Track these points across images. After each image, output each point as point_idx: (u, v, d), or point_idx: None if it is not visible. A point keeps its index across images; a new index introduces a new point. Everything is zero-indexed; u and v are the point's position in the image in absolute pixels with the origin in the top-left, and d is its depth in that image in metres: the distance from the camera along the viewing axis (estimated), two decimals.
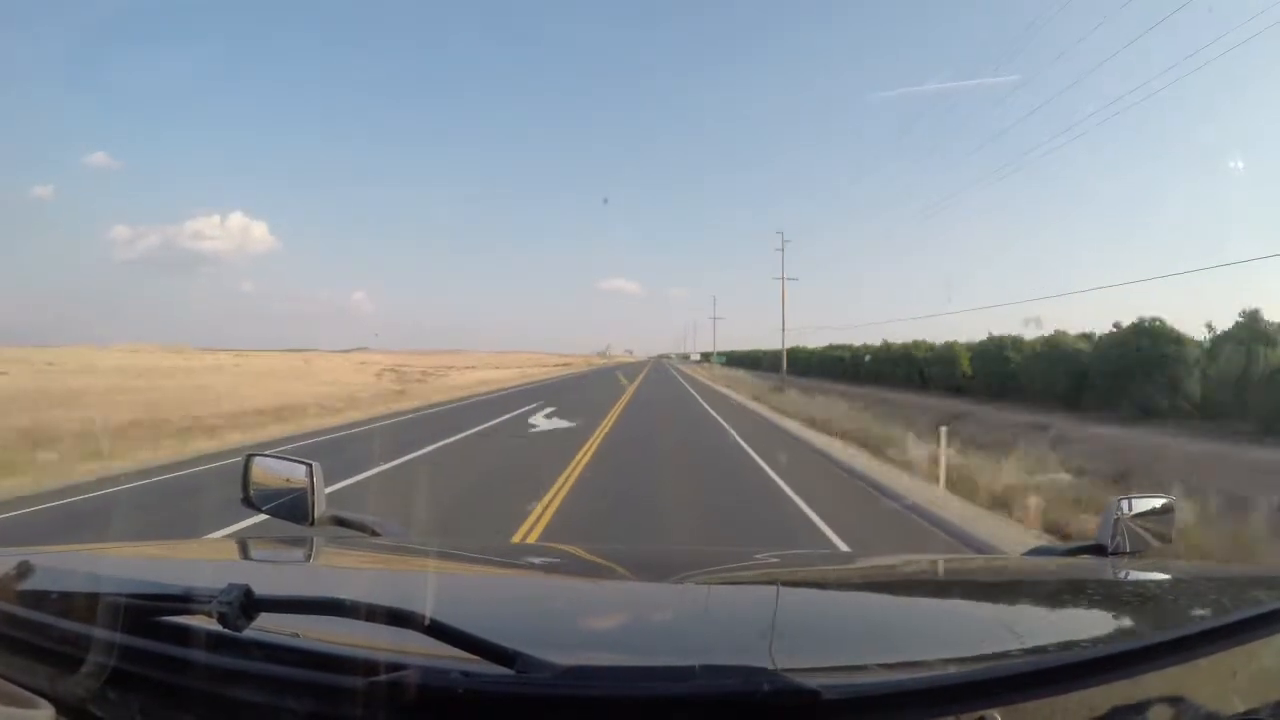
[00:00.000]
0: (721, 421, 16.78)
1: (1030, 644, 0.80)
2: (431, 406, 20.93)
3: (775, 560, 1.70)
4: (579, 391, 30.57)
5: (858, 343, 45.28)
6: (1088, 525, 5.79)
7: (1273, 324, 17.06)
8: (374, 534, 1.47)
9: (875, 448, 11.73)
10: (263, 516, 1.43)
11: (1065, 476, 9.41)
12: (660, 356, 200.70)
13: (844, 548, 5.65)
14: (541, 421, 16.26)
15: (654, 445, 12.30)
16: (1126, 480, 9.62)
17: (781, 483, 8.54)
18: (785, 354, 36.56)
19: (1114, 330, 21.16)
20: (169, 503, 7.27)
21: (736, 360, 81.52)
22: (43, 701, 0.64)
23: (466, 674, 0.61)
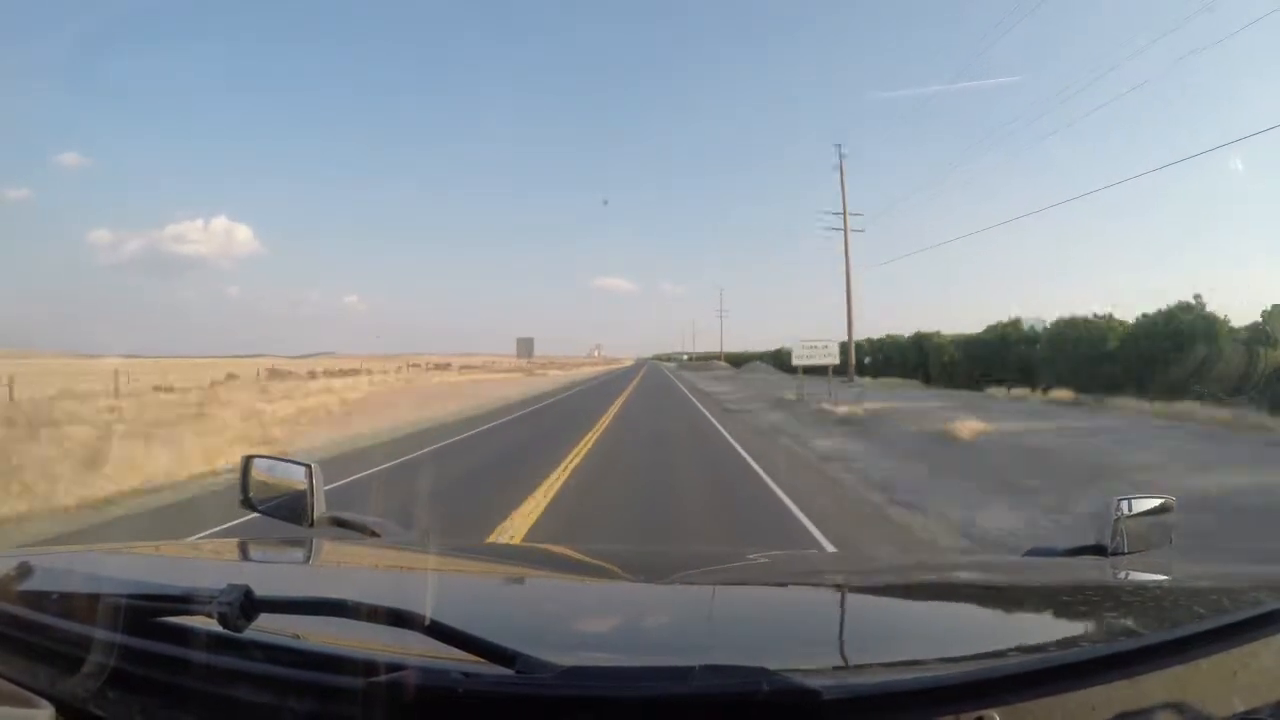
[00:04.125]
0: None
1: (1029, 644, 0.80)
2: None
3: (774, 561, 1.70)
4: None
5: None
6: None
7: None
8: (373, 534, 1.47)
9: None
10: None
11: None
12: (657, 359, 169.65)
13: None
14: None
15: None
16: None
17: None
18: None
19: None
20: None
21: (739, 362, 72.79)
22: (43, 701, 0.64)
23: (466, 674, 0.61)
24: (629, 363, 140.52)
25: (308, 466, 1.41)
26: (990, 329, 25.15)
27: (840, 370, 25.05)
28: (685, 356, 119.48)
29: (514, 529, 5.73)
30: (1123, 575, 1.25)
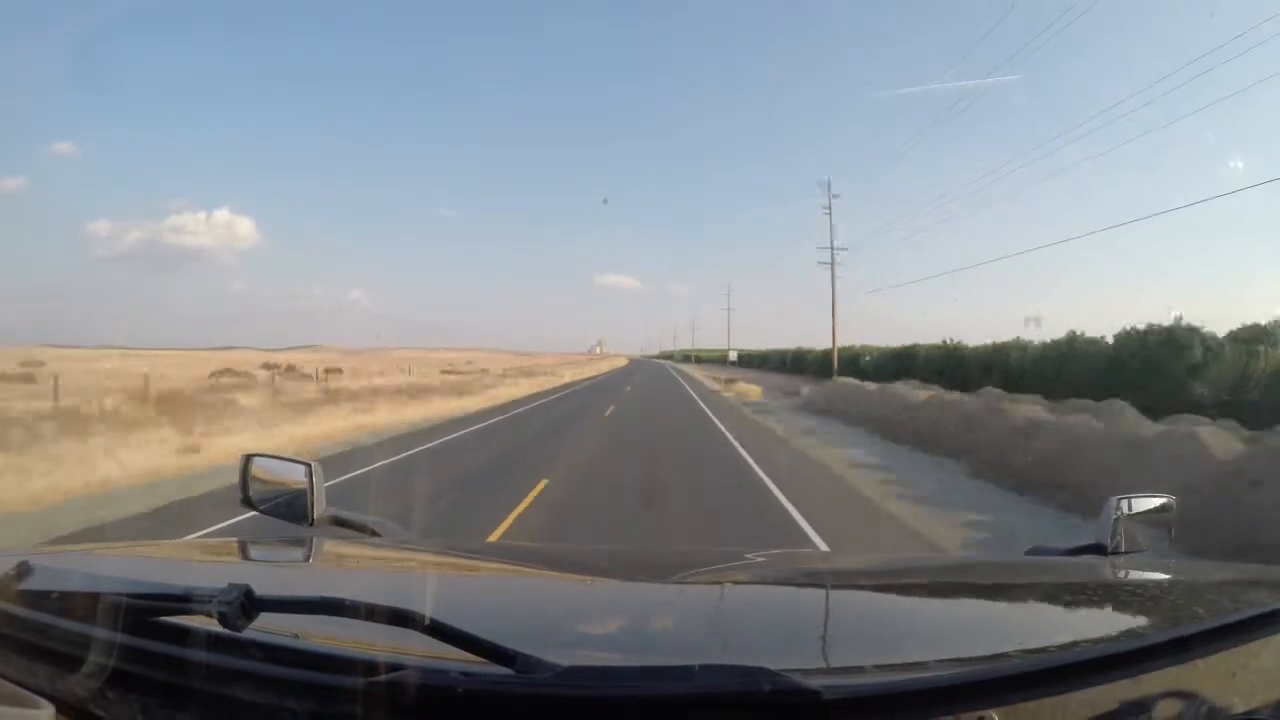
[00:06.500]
0: None
1: (1029, 644, 0.80)
2: None
3: (773, 561, 1.70)
4: None
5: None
6: None
7: None
8: (373, 534, 1.47)
9: None
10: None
11: None
12: (663, 356, 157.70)
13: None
14: None
15: None
16: None
17: None
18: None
19: None
20: None
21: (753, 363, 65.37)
22: (43, 701, 0.64)
23: (466, 674, 0.61)
24: (621, 363, 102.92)
25: (308, 465, 1.41)
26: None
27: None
28: (732, 355, 69.29)
29: None
30: (1123, 575, 1.25)
